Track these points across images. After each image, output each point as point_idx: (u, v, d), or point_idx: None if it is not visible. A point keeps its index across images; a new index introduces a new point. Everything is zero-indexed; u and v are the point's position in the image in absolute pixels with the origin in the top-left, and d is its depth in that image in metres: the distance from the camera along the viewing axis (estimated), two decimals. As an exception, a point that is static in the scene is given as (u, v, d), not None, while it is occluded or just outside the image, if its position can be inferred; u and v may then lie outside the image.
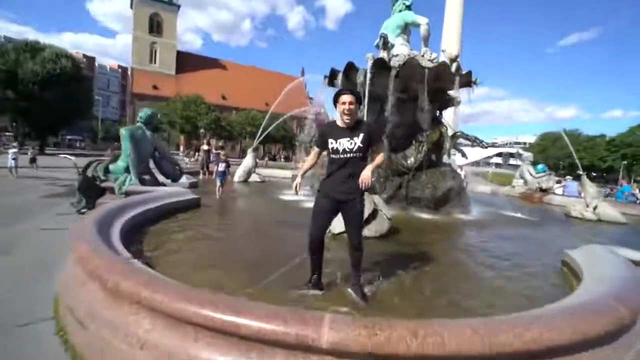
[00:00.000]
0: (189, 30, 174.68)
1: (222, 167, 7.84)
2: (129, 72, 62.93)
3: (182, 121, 45.96)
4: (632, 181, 40.16)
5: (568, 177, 15.71)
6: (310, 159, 2.87)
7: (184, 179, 8.75)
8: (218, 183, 7.66)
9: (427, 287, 3.06)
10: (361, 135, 2.55)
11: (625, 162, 49.68)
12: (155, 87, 59.19)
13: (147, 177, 6.48)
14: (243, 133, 51.07)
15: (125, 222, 3.85)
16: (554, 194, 11.78)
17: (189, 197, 5.90)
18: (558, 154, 55.95)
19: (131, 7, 62.32)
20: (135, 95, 57.71)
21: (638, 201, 12.73)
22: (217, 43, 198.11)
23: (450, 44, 20.76)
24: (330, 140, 2.59)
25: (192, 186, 9.03)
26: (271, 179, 12.96)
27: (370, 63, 6.92)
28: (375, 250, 3.98)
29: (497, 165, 51.47)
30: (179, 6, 65.52)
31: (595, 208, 8.01)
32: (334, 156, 2.60)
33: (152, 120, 6.70)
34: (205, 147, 13.86)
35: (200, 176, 12.09)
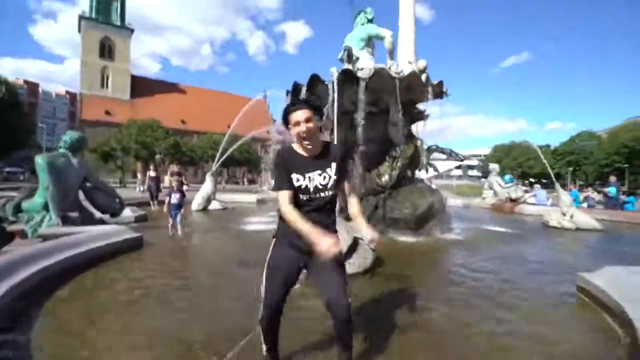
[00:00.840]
0: (146, 55, 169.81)
1: (175, 198, 6.22)
2: (78, 98, 58.96)
3: (138, 147, 43.13)
4: (577, 186, 43.22)
5: (536, 185, 16.04)
6: (289, 213, 1.72)
7: (129, 212, 7.51)
8: (170, 220, 6.22)
9: (442, 347, 2.28)
10: (333, 165, 1.80)
11: (571, 168, 53.70)
12: (108, 113, 55.75)
13: (74, 214, 5.25)
14: (205, 157, 48.96)
15: (17, 283, 2.75)
16: (527, 203, 11.77)
17: (127, 236, 4.75)
18: (511, 164, 59.37)
19: (79, 31, 59.13)
20: (86, 122, 53.79)
21: (596, 205, 13.07)
22: (176, 67, 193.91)
23: (406, 60, 21.18)
24: (294, 176, 1.77)
25: (140, 220, 7.81)
26: (234, 206, 11.84)
27: (336, 75, 6.43)
28: (361, 291, 3.18)
29: (459, 177, 53.35)
30: (132, 30, 63.22)
31: (572, 216, 7.85)
32: (302, 197, 1.78)
33: (80, 145, 5.51)
34: (152, 173, 11.90)
35: (152, 207, 10.69)
